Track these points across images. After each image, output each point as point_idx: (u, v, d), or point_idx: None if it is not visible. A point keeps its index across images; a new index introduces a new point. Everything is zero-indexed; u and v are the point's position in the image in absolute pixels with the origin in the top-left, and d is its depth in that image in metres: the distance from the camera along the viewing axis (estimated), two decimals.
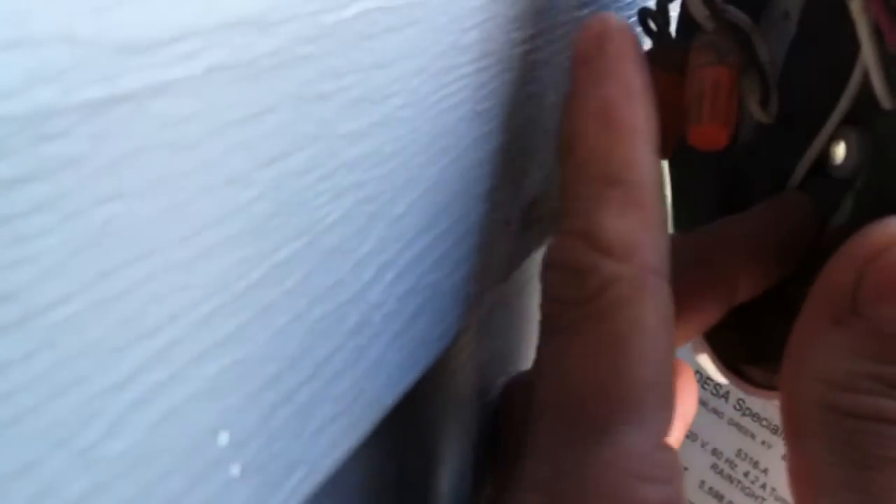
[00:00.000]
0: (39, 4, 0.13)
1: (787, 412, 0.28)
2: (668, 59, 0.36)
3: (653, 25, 0.37)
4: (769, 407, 0.51)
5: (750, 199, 0.37)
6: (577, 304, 0.27)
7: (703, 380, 0.51)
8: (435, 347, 0.28)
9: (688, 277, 0.31)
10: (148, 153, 0.15)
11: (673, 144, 0.37)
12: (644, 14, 0.38)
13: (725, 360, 0.37)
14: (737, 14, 0.35)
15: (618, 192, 0.27)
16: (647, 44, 0.37)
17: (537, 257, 0.30)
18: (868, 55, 0.29)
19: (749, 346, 0.35)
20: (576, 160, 0.28)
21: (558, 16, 0.34)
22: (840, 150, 0.32)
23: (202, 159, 0.16)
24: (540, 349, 0.29)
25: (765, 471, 0.51)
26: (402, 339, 0.26)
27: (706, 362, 0.37)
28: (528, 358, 0.47)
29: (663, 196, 0.29)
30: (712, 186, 0.40)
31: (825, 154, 0.33)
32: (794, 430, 0.28)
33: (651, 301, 0.27)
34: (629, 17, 0.40)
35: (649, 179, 0.28)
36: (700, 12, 0.34)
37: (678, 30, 0.38)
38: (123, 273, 0.15)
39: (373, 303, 0.24)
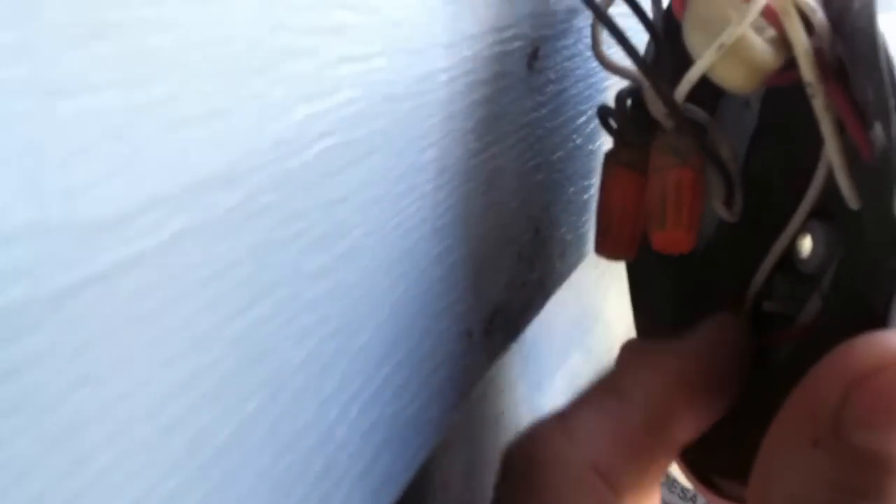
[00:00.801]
0: (11, 197, 0.12)
1: None
2: (629, 159, 0.36)
3: (612, 123, 0.37)
4: None
5: (709, 301, 0.36)
6: (519, 477, 0.29)
7: (671, 482, 0.51)
8: (400, 480, 0.27)
9: (625, 434, 0.31)
10: (115, 332, 0.15)
11: (636, 245, 0.36)
12: (603, 111, 0.38)
13: (696, 471, 0.36)
14: (696, 111, 0.34)
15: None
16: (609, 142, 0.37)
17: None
18: (832, 154, 0.28)
19: (719, 459, 0.34)
20: None
21: (517, 119, 0.34)
22: (807, 244, 0.32)
23: (167, 327, 0.16)
24: None
25: None
26: (367, 478, 0.25)
27: (676, 469, 0.37)
28: None
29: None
30: (670, 289, 0.39)
31: (791, 248, 0.32)
32: None
33: (584, 498, 0.28)
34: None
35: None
36: (659, 110, 0.33)
37: (640, 126, 0.38)
38: (93, 460, 0.14)
39: (338, 443, 0.23)
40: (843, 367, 0.25)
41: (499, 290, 0.35)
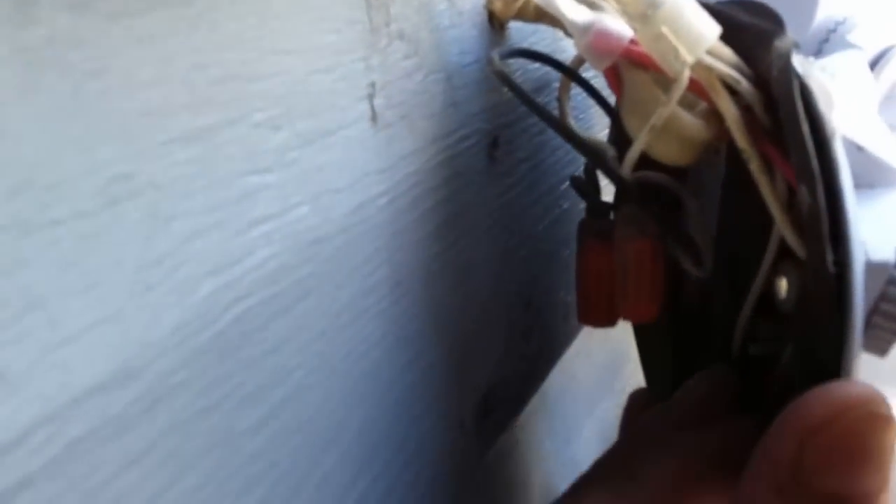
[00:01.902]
0: None
1: None
2: (599, 229, 0.37)
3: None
4: None
5: (705, 348, 0.37)
6: None
7: None
8: None
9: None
10: None
11: (613, 314, 0.37)
12: (576, 181, 0.39)
13: None
14: (658, 176, 0.35)
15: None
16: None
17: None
18: (774, 211, 0.29)
19: None
20: None
21: (484, 207, 0.35)
22: (783, 285, 0.32)
23: None
24: None
25: None
26: None
27: None
28: None
29: None
30: (668, 340, 0.40)
31: (770, 290, 0.33)
32: None
33: None
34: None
35: None
36: (615, 184, 0.35)
37: (615, 193, 0.39)
38: None
39: None
40: (798, 420, 0.27)
41: (489, 371, 0.36)
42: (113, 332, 0.19)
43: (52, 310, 0.18)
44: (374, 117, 0.28)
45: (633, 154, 0.32)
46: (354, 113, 0.27)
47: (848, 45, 0.32)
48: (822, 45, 0.32)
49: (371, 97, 0.28)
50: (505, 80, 0.33)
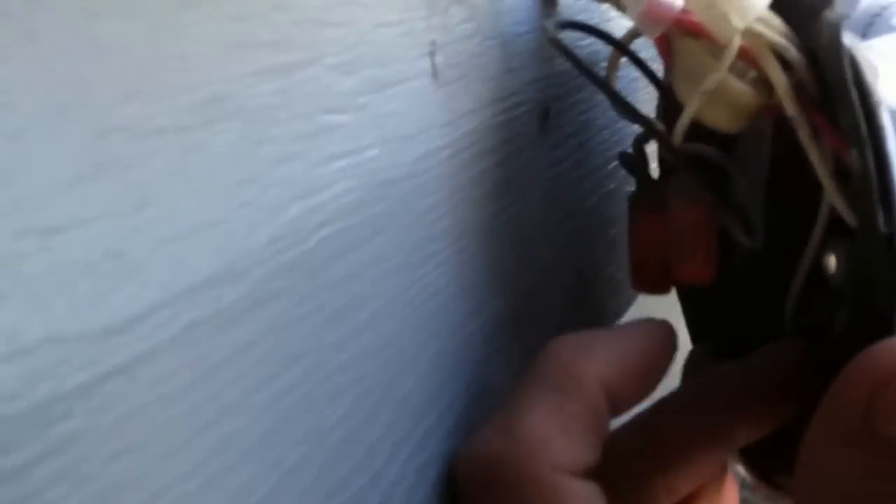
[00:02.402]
0: (24, 318, 0.16)
1: None
2: (651, 201, 0.39)
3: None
4: None
5: (753, 318, 0.39)
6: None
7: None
8: None
9: (683, 429, 0.34)
10: (143, 411, 0.18)
11: (667, 281, 0.39)
12: (624, 157, 0.41)
13: (759, 471, 0.38)
14: (706, 149, 0.37)
15: (551, 395, 0.31)
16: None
17: None
18: (823, 179, 0.31)
19: (777, 458, 0.36)
20: None
21: (536, 177, 0.37)
22: (832, 261, 0.33)
23: (194, 403, 0.20)
24: None
25: None
26: None
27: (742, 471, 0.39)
28: None
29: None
30: (716, 310, 0.42)
31: (819, 265, 0.34)
32: None
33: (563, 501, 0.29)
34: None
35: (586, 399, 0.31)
36: (667, 154, 0.36)
37: (661, 168, 0.40)
38: None
39: (391, 481, 0.26)
40: (867, 372, 0.28)
41: (547, 335, 0.37)
42: (217, 235, 0.21)
43: (163, 208, 0.19)
44: (435, 73, 0.30)
45: (684, 119, 0.33)
46: (417, 67, 0.29)
47: (893, 29, 0.33)
48: (867, 28, 0.33)
49: (432, 54, 0.30)
50: (561, 48, 0.35)
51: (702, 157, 0.37)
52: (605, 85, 0.36)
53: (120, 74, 0.18)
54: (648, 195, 0.39)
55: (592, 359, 0.32)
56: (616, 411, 0.32)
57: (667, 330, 0.35)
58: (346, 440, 0.25)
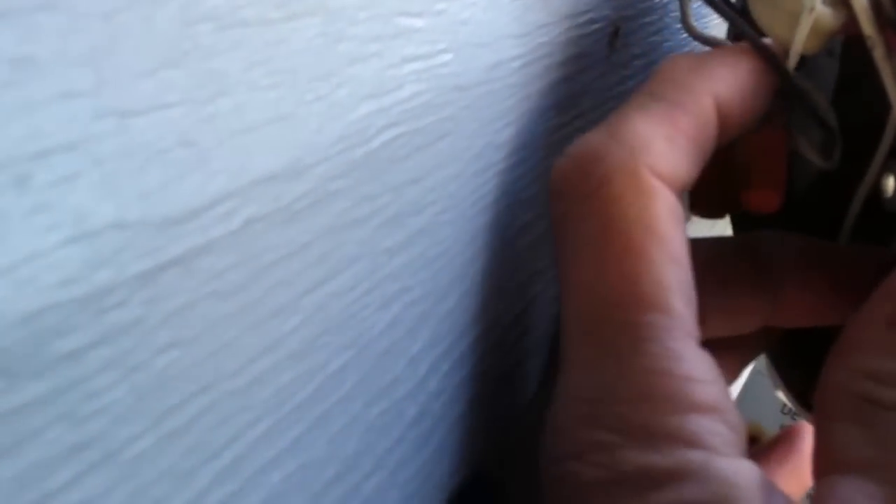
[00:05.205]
0: (94, 200, 0.16)
1: (825, 397, 0.29)
2: None
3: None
4: None
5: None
6: (580, 199, 0.28)
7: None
8: (500, 429, 0.30)
9: (735, 268, 0.34)
10: (196, 305, 0.18)
11: (725, 205, 0.38)
12: None
13: (799, 396, 0.38)
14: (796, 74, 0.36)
15: (660, 104, 0.30)
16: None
17: None
18: (891, 92, 0.30)
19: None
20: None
21: (601, 94, 0.36)
22: (890, 183, 0.33)
23: (246, 301, 0.19)
24: (557, 258, 0.29)
25: None
26: (463, 421, 0.28)
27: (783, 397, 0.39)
28: None
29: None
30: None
31: (877, 188, 0.34)
32: (829, 415, 0.29)
33: (654, 203, 0.28)
34: None
35: (697, 112, 0.30)
36: (783, 81, 0.35)
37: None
38: (185, 408, 0.18)
39: (431, 392, 0.26)
40: None
41: None
42: (287, 129, 0.20)
43: (238, 99, 0.19)
44: None
45: (797, 46, 0.32)
46: None
47: None
48: None
49: None
50: None
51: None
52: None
53: None
54: None
55: (706, 73, 0.31)
56: (724, 131, 0.32)
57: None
58: (390, 349, 0.24)
